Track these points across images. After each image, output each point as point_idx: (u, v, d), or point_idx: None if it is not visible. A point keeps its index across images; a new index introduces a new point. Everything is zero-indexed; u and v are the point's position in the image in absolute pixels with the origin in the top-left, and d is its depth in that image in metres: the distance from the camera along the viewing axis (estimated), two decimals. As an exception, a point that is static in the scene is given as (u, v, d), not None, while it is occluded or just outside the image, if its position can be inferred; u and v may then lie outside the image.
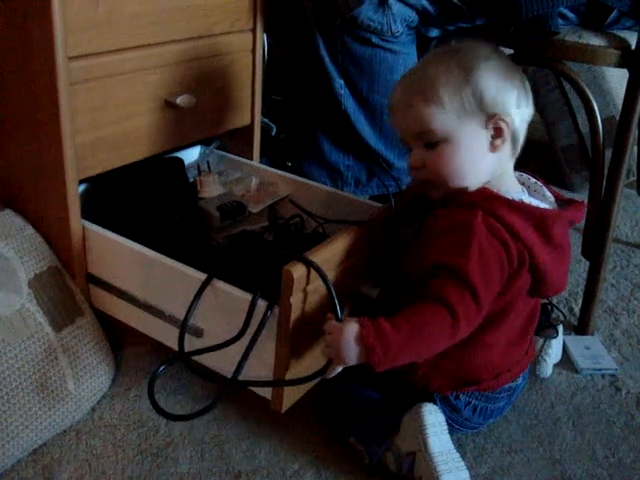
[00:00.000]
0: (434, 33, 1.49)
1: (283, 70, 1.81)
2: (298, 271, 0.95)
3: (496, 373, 1.12)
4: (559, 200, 1.10)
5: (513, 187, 1.07)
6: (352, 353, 0.93)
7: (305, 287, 0.99)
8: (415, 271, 1.06)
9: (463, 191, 1.04)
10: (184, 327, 1.07)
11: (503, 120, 1.01)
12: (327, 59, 1.50)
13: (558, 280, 1.08)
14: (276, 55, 1.72)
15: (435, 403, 1.10)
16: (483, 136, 1.03)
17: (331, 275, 1.03)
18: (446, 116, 1.01)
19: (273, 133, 1.85)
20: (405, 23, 1.42)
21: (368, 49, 1.46)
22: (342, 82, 1.51)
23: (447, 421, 1.09)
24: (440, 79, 1.01)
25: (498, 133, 1.02)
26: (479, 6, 1.40)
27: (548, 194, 1.10)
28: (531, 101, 1.06)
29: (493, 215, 0.99)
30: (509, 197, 1.02)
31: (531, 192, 1.10)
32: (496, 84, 1.01)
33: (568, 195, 1.12)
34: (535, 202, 1.05)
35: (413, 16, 1.42)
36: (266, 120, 1.83)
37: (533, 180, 1.12)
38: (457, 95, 1.01)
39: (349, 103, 1.53)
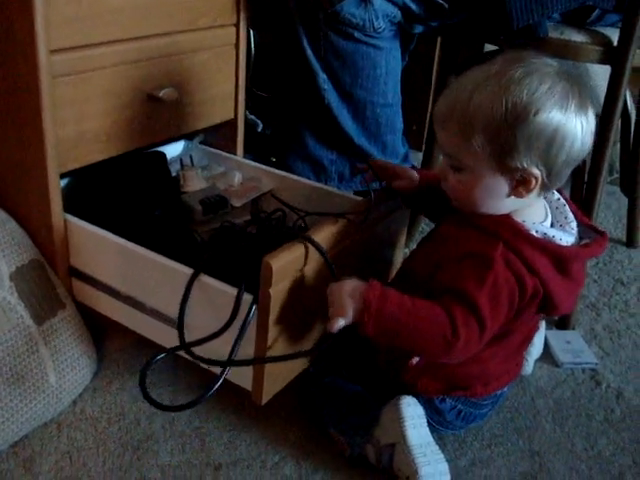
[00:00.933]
0: (418, 29, 1.50)
1: (270, 66, 1.81)
2: (277, 262, 0.96)
3: (486, 381, 1.12)
4: (582, 224, 1.07)
5: (538, 217, 1.03)
6: (349, 303, 0.96)
7: (294, 272, 1.00)
8: (421, 269, 1.07)
9: (484, 214, 1.02)
10: (182, 318, 1.08)
11: (533, 174, 0.96)
12: (310, 53, 1.50)
13: (567, 305, 1.07)
14: (263, 51, 1.72)
15: (419, 402, 1.09)
16: (505, 182, 0.98)
17: (312, 266, 1.04)
18: (475, 154, 0.97)
19: (259, 129, 1.85)
20: (387, 19, 1.43)
21: (351, 44, 1.46)
22: (325, 76, 1.52)
23: (428, 421, 1.09)
24: (483, 116, 0.94)
25: (524, 183, 0.97)
26: (461, 7, 1.40)
27: (571, 217, 1.06)
28: (588, 137, 0.97)
29: (513, 249, 0.97)
30: (532, 232, 0.99)
31: (555, 217, 1.06)
32: (542, 137, 0.93)
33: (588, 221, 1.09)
34: (558, 235, 1.01)
35: (395, 12, 1.43)
36: (252, 117, 1.84)
37: (558, 198, 1.08)
38: (493, 141, 0.95)
39: (332, 98, 1.53)
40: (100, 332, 1.32)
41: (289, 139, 1.63)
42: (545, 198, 1.07)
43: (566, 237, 1.02)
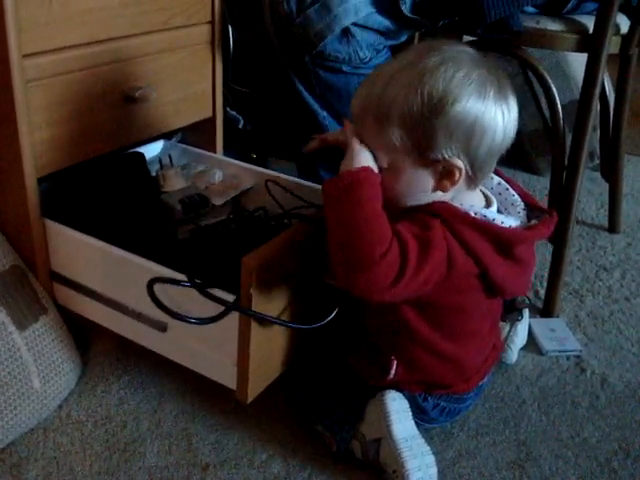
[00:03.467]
0: (402, 38, 1.49)
1: (249, 62, 1.80)
2: (257, 261, 0.96)
3: (466, 377, 1.13)
4: (529, 206, 1.06)
5: (478, 202, 1.03)
6: (354, 161, 0.94)
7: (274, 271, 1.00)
8: None
9: (418, 209, 1.00)
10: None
11: (456, 165, 0.95)
12: (306, 94, 1.50)
13: (517, 288, 1.08)
14: (242, 47, 1.72)
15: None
16: (428, 175, 0.97)
17: (291, 263, 1.04)
18: (394, 149, 0.95)
19: (240, 125, 1.85)
20: (372, 48, 1.41)
21: (342, 77, 1.45)
22: (325, 113, 1.51)
23: (415, 421, 1.09)
24: (398, 108, 0.93)
25: (448, 175, 0.96)
26: (438, 15, 1.40)
27: (517, 200, 1.06)
28: (510, 125, 0.96)
29: (451, 229, 0.96)
30: (471, 214, 0.98)
31: (500, 203, 1.06)
32: (462, 127, 0.92)
33: (539, 200, 1.09)
34: (500, 218, 1.00)
35: (378, 39, 1.42)
36: (233, 112, 1.83)
37: (499, 182, 1.08)
38: (412, 134, 0.93)
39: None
40: (84, 336, 1.32)
41: (306, 176, 1.60)
42: (490, 183, 1.07)
43: (509, 221, 1.00)
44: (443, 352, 1.07)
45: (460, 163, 0.95)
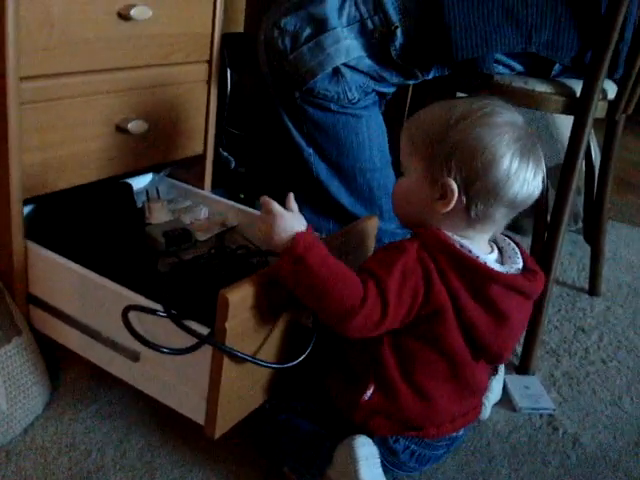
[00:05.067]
0: (392, 87, 1.52)
1: (244, 105, 1.83)
2: (234, 295, 0.96)
3: (439, 423, 1.12)
4: (526, 268, 1.07)
5: (480, 249, 1.04)
6: (280, 234, 0.99)
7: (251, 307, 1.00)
8: None
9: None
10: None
11: (449, 186, 0.99)
12: (293, 130, 1.52)
13: (495, 348, 1.08)
14: (238, 90, 1.75)
15: (373, 441, 1.09)
16: (427, 189, 1.03)
17: (269, 300, 1.04)
18: (409, 151, 1.05)
19: (232, 167, 1.87)
20: (361, 89, 1.45)
21: (330, 115, 1.48)
22: (311, 150, 1.53)
23: (382, 462, 1.08)
24: (425, 124, 1.04)
25: (443, 197, 1.01)
26: (425, 62, 1.43)
27: (518, 260, 1.07)
28: (526, 185, 1.00)
29: (429, 252, 1.00)
30: (454, 244, 1.01)
31: (504, 257, 1.08)
32: (465, 152, 0.98)
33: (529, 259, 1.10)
34: (485, 259, 1.02)
35: (368, 82, 1.45)
36: (225, 154, 1.85)
37: (508, 242, 1.10)
38: (427, 149, 1.02)
39: (321, 170, 1.54)
40: (56, 361, 1.30)
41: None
42: (498, 239, 1.10)
43: (496, 266, 1.03)
44: (420, 387, 1.07)
45: (454, 186, 0.99)
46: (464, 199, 1.00)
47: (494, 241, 1.10)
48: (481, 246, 1.06)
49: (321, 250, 0.98)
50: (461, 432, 1.16)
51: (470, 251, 1.01)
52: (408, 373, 1.06)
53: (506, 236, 1.11)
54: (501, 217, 1.04)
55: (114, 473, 1.11)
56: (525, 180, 1.00)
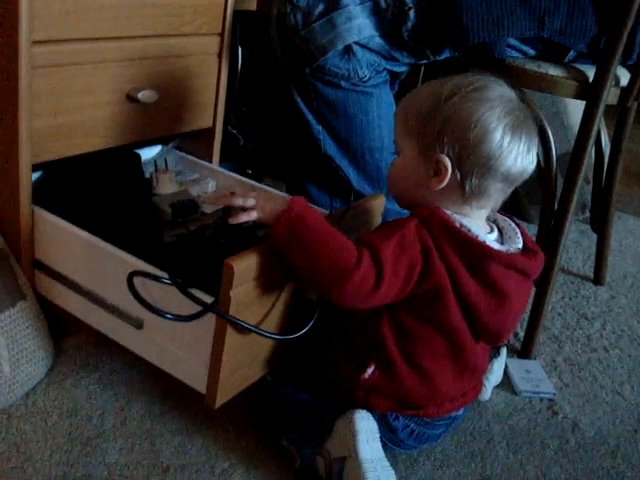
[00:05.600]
0: (403, 66, 1.51)
1: (255, 83, 1.83)
2: (240, 264, 0.96)
3: (439, 402, 1.12)
4: (526, 248, 1.07)
5: (482, 228, 1.05)
6: (270, 204, 1.01)
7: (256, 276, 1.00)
8: None
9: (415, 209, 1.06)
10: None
11: (443, 162, 1.00)
12: (303, 106, 1.52)
13: (494, 328, 1.08)
14: (248, 67, 1.74)
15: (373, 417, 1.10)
16: (421, 167, 1.03)
17: (274, 271, 1.04)
18: (406, 136, 1.05)
19: (241, 143, 1.87)
20: (372, 68, 1.44)
21: (340, 93, 1.47)
22: (320, 128, 1.52)
23: (381, 438, 1.08)
24: (419, 101, 1.04)
25: (437, 174, 1.02)
26: (436, 44, 1.42)
27: (518, 240, 1.07)
28: (520, 160, 1.01)
29: (427, 228, 1.00)
30: (452, 220, 1.01)
31: (504, 237, 1.08)
32: (458, 128, 0.99)
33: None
34: (484, 237, 1.02)
35: (379, 60, 1.44)
36: (234, 132, 1.85)
37: (509, 223, 1.10)
38: (421, 126, 1.02)
39: (329, 148, 1.53)
40: (60, 328, 1.31)
41: (293, 190, 1.63)
42: (498, 219, 1.10)
43: (495, 244, 1.03)
44: (420, 366, 1.07)
45: (447, 162, 1.00)
46: (458, 174, 1.01)
47: (494, 221, 1.10)
48: (480, 225, 1.05)
49: (317, 213, 1.00)
50: (460, 412, 1.17)
51: (469, 230, 1.01)
52: (408, 352, 1.07)
53: (507, 216, 1.11)
54: (496, 192, 1.04)
55: (114, 439, 1.12)
56: (518, 154, 1.00)
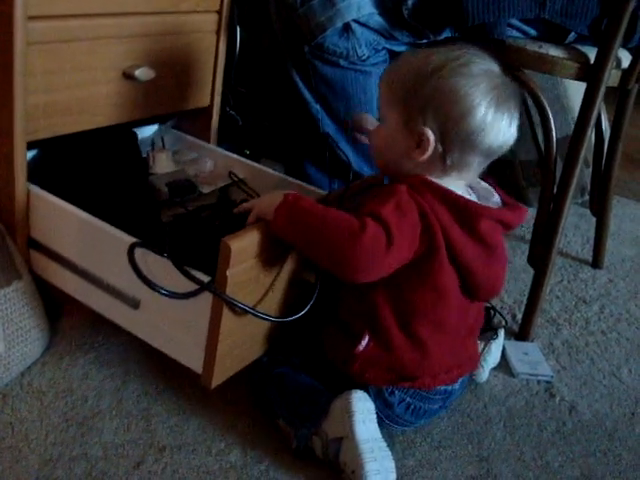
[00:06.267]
0: (402, 45, 1.50)
1: (253, 63, 1.81)
2: (236, 243, 0.95)
3: (434, 373, 1.12)
4: (506, 204, 1.11)
5: (454, 182, 1.07)
6: (268, 201, 1.02)
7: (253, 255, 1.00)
8: None
9: (399, 178, 1.07)
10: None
11: (426, 135, 1.02)
12: (301, 85, 1.51)
13: (488, 281, 1.10)
14: (245, 48, 1.72)
15: (369, 396, 1.09)
16: (405, 138, 1.04)
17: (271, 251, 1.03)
18: (390, 105, 1.06)
19: (240, 124, 1.85)
20: (371, 46, 1.43)
21: (338, 71, 1.47)
22: (318, 107, 1.52)
23: (378, 415, 1.09)
24: (403, 73, 1.04)
25: (420, 145, 1.03)
26: (436, 23, 1.41)
27: (495, 198, 1.10)
28: (503, 132, 1.03)
29: (419, 193, 1.01)
30: (444, 187, 1.03)
31: (480, 199, 1.10)
32: (442, 102, 1.00)
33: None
34: (468, 197, 1.05)
35: (378, 39, 1.43)
36: (233, 113, 1.83)
37: (484, 184, 1.12)
38: (405, 98, 1.03)
39: (328, 127, 1.53)
40: (56, 307, 1.30)
41: (292, 171, 1.62)
42: (471, 187, 1.11)
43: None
44: (414, 335, 1.07)
45: (430, 135, 1.01)
46: (440, 147, 1.02)
47: (469, 185, 1.12)
48: (460, 191, 1.07)
49: (310, 199, 1.02)
50: (457, 386, 1.16)
51: (451, 191, 1.03)
52: (403, 321, 1.07)
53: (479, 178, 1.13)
54: (477, 164, 1.06)
55: (110, 419, 1.11)
56: (500, 129, 1.02)
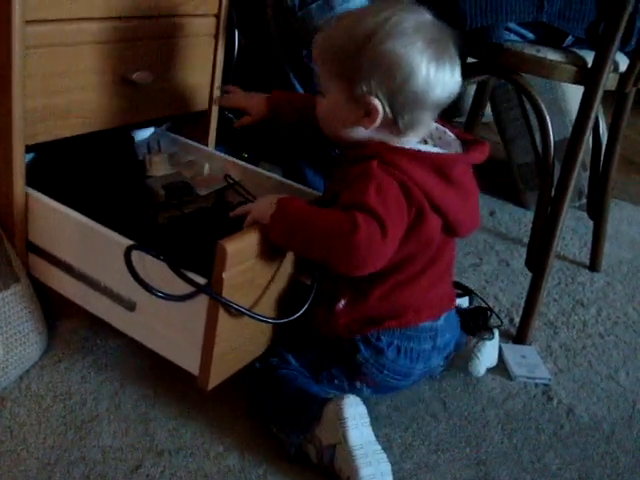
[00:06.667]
0: None
1: (251, 67, 1.81)
2: (232, 245, 0.95)
3: (416, 309, 1.13)
4: (463, 140, 1.12)
5: (412, 139, 1.08)
6: (264, 205, 1.04)
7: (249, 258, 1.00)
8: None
9: (356, 146, 1.07)
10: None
11: (373, 104, 1.02)
12: (299, 89, 1.51)
13: (468, 217, 1.12)
14: (243, 51, 1.73)
15: (359, 350, 1.11)
16: (351, 109, 1.05)
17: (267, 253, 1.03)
18: (330, 78, 1.06)
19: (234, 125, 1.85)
20: None
21: None
22: None
23: (375, 366, 1.12)
24: (336, 41, 1.04)
25: (368, 113, 1.04)
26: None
27: (452, 139, 1.12)
28: (446, 83, 1.03)
29: (390, 164, 1.01)
30: (405, 147, 1.04)
31: (435, 141, 1.12)
32: (383, 66, 1.00)
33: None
34: (435, 150, 1.07)
35: None
36: (231, 115, 1.83)
37: (439, 128, 1.14)
38: (342, 66, 1.03)
39: None
40: (54, 311, 1.30)
41: (289, 173, 1.62)
42: (430, 136, 1.13)
43: (442, 151, 1.08)
44: (397, 282, 1.10)
45: (377, 103, 1.02)
46: (390, 113, 1.03)
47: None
48: (422, 147, 1.09)
49: (300, 200, 1.03)
50: (441, 321, 1.17)
51: (419, 150, 1.05)
52: (386, 275, 1.08)
53: None
54: (429, 118, 1.07)
55: (108, 423, 1.11)
56: (445, 82, 1.03)
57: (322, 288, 1.13)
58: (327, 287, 1.13)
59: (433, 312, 1.15)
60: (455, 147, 1.11)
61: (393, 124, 1.04)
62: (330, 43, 1.05)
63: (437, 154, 1.06)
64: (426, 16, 1.05)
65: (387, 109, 1.02)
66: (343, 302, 1.11)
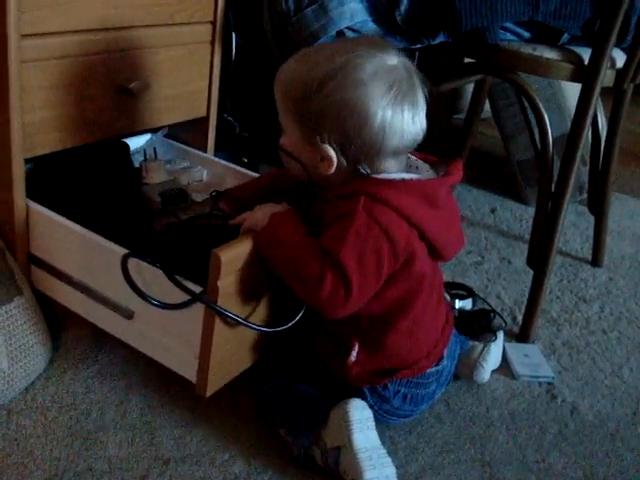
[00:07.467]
0: None
1: (250, 69, 1.81)
2: (227, 254, 0.95)
3: (426, 352, 1.13)
4: (431, 163, 1.09)
5: (390, 169, 1.03)
6: (262, 214, 1.03)
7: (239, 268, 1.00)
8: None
9: (334, 184, 1.04)
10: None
11: (325, 153, 1.00)
12: None
13: (452, 241, 1.09)
14: (242, 54, 1.73)
15: (365, 397, 1.11)
16: (308, 152, 1.02)
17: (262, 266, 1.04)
18: (284, 111, 1.03)
19: (237, 131, 1.86)
20: None
21: None
22: None
23: (379, 412, 1.11)
24: (293, 88, 1.00)
25: (322, 159, 1.01)
26: (431, 29, 1.41)
27: (421, 164, 1.09)
28: (404, 134, 0.99)
29: (378, 199, 0.98)
30: (389, 177, 1.01)
31: (408, 169, 1.08)
32: (334, 116, 0.97)
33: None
34: (414, 177, 1.03)
35: None
36: (230, 119, 1.84)
37: (411, 158, 1.11)
38: (297, 113, 1.00)
39: None
40: (58, 322, 1.31)
41: None
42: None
43: (422, 177, 1.05)
44: (402, 325, 1.08)
45: (330, 150, 0.99)
46: (344, 161, 1.01)
47: None
48: (389, 167, 1.05)
49: (295, 219, 1.00)
50: (445, 362, 1.17)
51: (403, 179, 1.01)
52: (388, 319, 1.08)
53: None
54: (392, 162, 1.03)
55: (114, 432, 1.12)
56: (403, 129, 0.99)
57: (327, 327, 1.14)
58: (331, 326, 1.13)
59: (439, 349, 1.15)
60: (428, 171, 1.08)
61: (353, 167, 1.02)
62: (288, 82, 1.02)
63: (421, 181, 1.03)
64: (389, 59, 0.99)
65: (341, 158, 1.00)
66: (354, 354, 1.09)
